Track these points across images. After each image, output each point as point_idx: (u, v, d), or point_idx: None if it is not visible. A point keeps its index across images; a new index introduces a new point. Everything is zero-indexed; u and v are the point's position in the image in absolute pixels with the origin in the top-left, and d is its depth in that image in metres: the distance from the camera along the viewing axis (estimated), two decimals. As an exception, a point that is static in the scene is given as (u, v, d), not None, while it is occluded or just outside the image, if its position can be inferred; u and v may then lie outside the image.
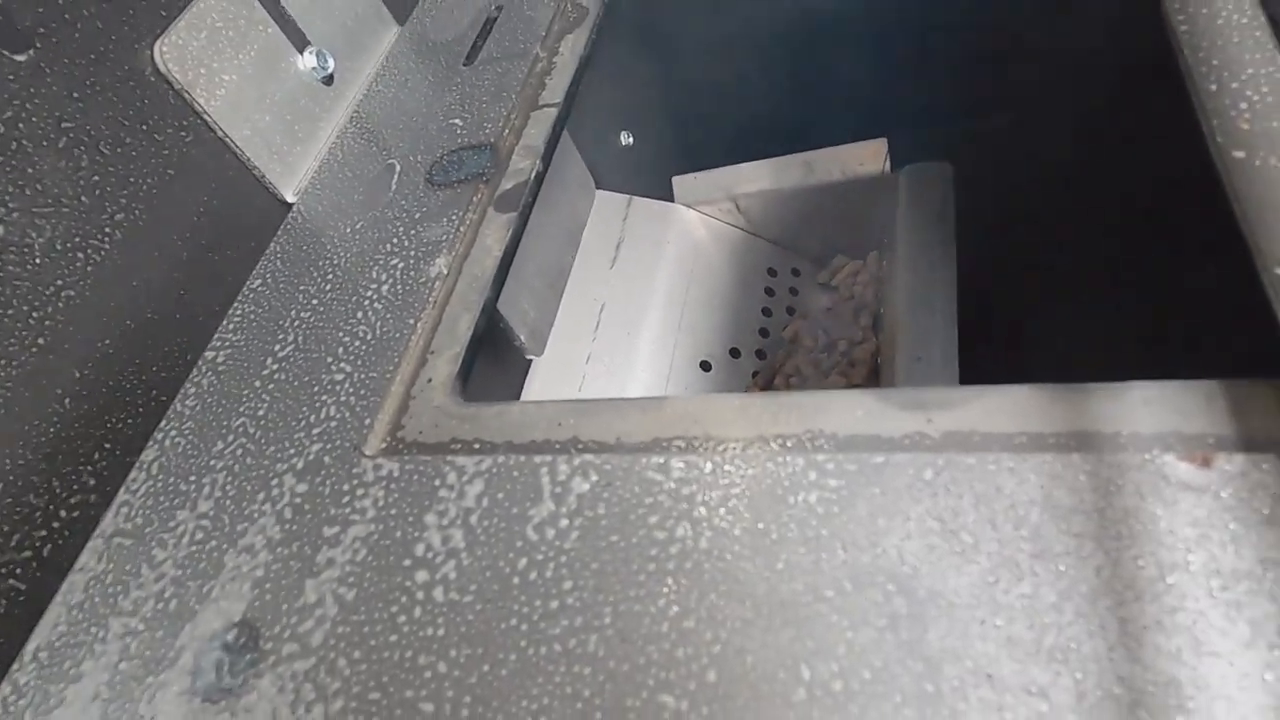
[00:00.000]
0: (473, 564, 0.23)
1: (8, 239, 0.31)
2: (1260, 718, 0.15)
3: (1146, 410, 0.19)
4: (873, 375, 0.63)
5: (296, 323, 0.33)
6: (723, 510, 0.21)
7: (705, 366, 0.66)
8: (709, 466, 0.22)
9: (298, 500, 0.27)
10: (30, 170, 0.32)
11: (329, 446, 0.28)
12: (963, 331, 0.55)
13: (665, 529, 0.21)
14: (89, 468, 0.33)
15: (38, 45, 0.33)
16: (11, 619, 0.30)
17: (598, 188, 0.68)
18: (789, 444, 0.22)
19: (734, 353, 0.68)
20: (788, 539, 0.20)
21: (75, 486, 0.33)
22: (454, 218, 0.34)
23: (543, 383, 0.59)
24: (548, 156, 0.35)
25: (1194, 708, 0.15)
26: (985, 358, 0.53)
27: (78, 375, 0.33)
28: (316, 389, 0.30)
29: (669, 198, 0.75)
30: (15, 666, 0.27)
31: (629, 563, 0.21)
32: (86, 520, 0.33)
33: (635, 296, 0.68)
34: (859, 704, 0.17)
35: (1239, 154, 0.21)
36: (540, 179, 0.34)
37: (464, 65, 0.42)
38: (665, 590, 0.20)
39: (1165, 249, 0.47)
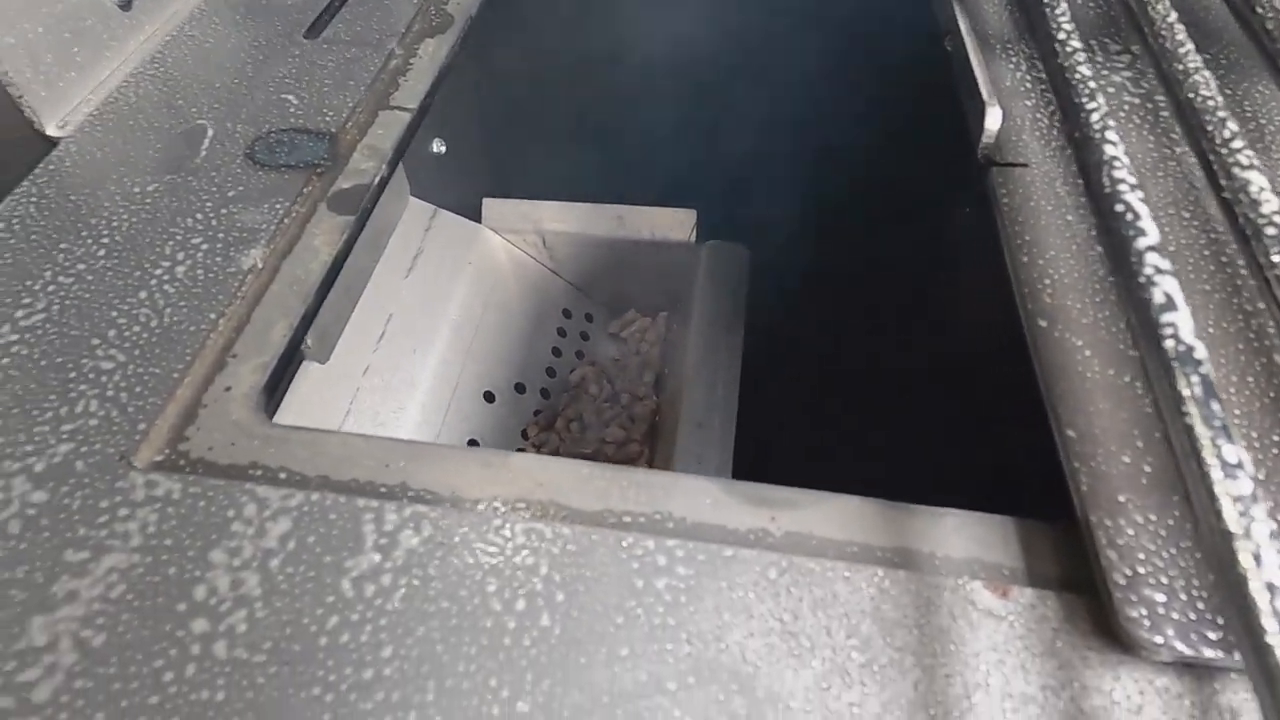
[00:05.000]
0: (269, 617, 0.20)
1: None
2: (1037, 832, 0.17)
3: (956, 537, 0.21)
4: (651, 433, 0.65)
5: (51, 287, 0.27)
6: (567, 587, 0.20)
7: (489, 397, 0.64)
8: (554, 537, 0.21)
9: (31, 512, 0.22)
10: None
11: (84, 450, 0.23)
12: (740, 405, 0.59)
13: (503, 600, 0.20)
14: None
15: None
16: None
17: (405, 193, 0.64)
18: (640, 521, 0.22)
19: (519, 388, 0.67)
20: (635, 625, 0.20)
21: None
22: (277, 207, 0.30)
23: (311, 387, 0.54)
24: (394, 163, 0.33)
25: (987, 820, 0.17)
26: (759, 431, 0.57)
27: None
28: (73, 375, 0.25)
29: (474, 217, 0.73)
30: None
31: (460, 633, 0.20)
32: None
33: (426, 313, 0.65)
34: (694, 805, 0.17)
35: (1042, 323, 0.25)
36: (384, 185, 0.32)
37: (304, 37, 0.38)
38: (498, 668, 0.19)
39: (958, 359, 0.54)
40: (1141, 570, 0.19)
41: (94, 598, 0.20)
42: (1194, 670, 0.19)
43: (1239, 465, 0.15)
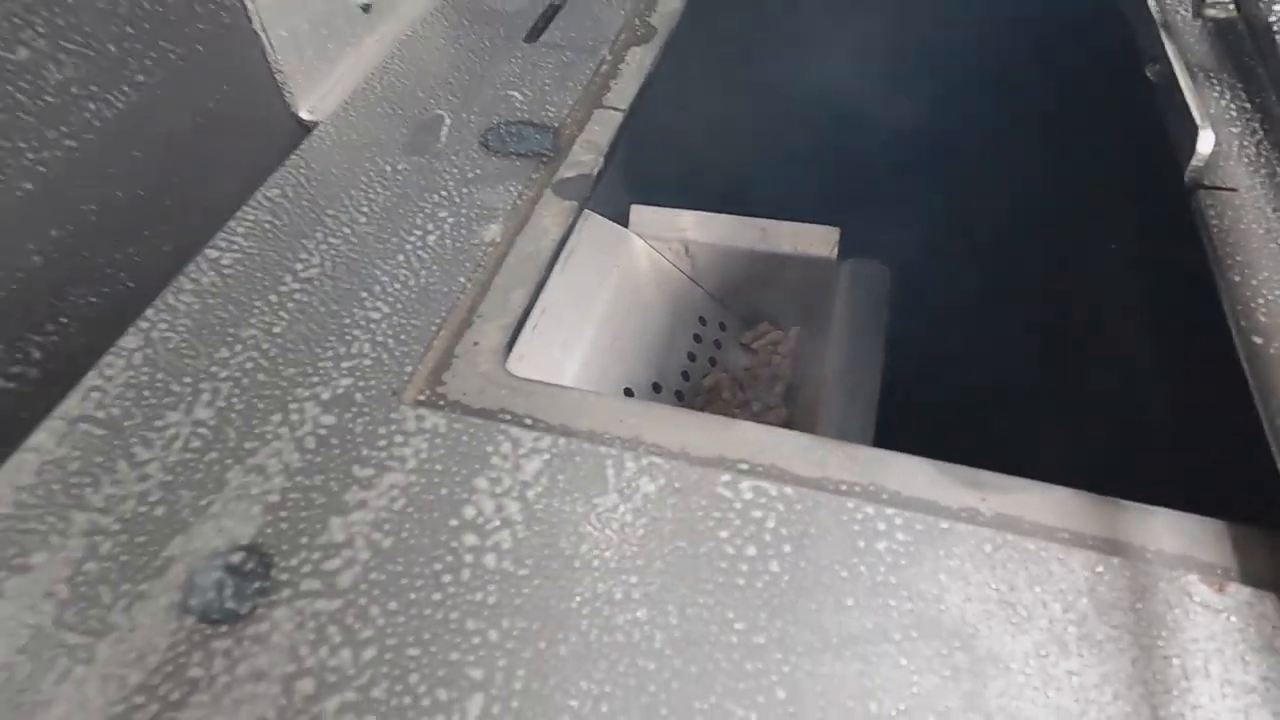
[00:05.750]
0: (530, 538, 0.23)
1: (25, 65, 0.28)
2: (1261, 808, 0.18)
3: (1168, 533, 0.22)
4: (782, 441, 0.66)
5: (324, 246, 0.31)
6: (793, 541, 0.22)
7: (628, 393, 0.67)
8: (779, 496, 0.23)
9: (323, 432, 0.25)
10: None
11: (362, 384, 0.27)
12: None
13: (735, 546, 0.22)
14: (38, 339, 0.30)
15: None
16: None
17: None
18: (857, 490, 0.23)
19: (656, 387, 0.69)
20: (859, 579, 0.21)
21: (19, 356, 0.29)
22: (511, 189, 0.33)
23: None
24: (610, 156, 0.36)
25: (1209, 792, 0.18)
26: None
27: (54, 235, 0.30)
28: (348, 321, 0.28)
29: (622, 222, 0.76)
30: (-64, 541, 0.23)
31: (697, 570, 0.22)
32: (22, 396, 0.29)
33: (574, 308, 0.68)
34: (922, 742, 0.19)
35: (1258, 340, 0.25)
36: (601, 176, 0.35)
37: (524, 41, 0.41)
38: (733, 604, 0.21)
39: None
40: (1370, 578, 0.20)
41: (380, 507, 0.23)
42: None
43: None
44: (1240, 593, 0.21)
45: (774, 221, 0.74)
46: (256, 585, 0.22)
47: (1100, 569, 0.21)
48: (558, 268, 0.70)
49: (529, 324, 0.65)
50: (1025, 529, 0.22)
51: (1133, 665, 0.20)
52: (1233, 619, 0.20)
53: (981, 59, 0.64)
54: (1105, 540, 0.22)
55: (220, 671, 0.20)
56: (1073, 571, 0.21)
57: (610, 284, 0.73)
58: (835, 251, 0.73)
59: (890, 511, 0.23)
